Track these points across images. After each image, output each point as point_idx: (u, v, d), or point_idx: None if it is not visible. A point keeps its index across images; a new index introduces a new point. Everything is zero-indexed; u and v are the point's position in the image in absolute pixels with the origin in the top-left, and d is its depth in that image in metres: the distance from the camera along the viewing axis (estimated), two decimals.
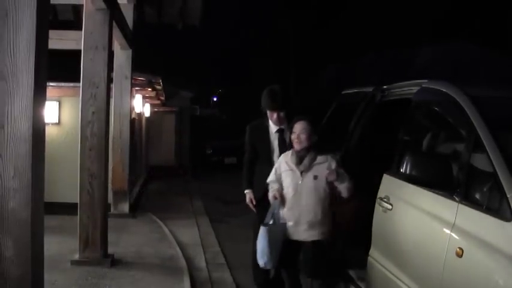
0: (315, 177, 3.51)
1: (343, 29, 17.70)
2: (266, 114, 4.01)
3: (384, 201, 3.33)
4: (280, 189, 3.59)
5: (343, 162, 4.12)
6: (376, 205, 3.43)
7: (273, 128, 4.02)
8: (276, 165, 3.71)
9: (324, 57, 15.78)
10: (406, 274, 2.95)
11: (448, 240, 2.52)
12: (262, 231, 3.49)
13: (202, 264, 5.25)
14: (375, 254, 3.43)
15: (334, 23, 18.59)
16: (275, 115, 3.92)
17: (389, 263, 3.18)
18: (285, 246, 3.54)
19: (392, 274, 3.10)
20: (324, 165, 3.53)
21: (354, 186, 3.53)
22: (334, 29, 18.34)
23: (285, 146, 3.86)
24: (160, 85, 9.45)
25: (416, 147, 3.30)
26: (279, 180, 3.64)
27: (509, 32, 13.21)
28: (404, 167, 2.85)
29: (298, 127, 3.58)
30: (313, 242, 3.52)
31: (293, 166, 3.57)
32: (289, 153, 3.66)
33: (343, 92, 5.04)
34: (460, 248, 2.40)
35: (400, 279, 2.99)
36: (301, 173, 3.53)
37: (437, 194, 2.75)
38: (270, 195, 3.63)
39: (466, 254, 2.37)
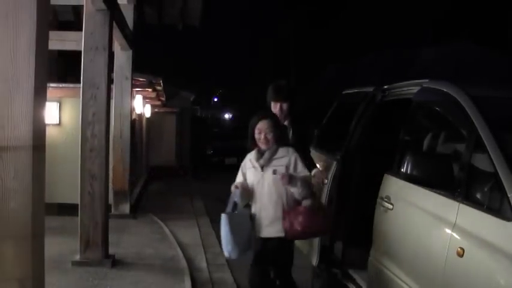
0: (274, 172, 3.47)
1: (343, 29, 17.72)
2: (270, 109, 4.02)
3: (384, 201, 3.32)
4: (245, 183, 3.56)
5: (343, 162, 4.13)
6: (377, 205, 3.43)
7: None
8: (242, 164, 3.69)
9: (324, 57, 15.82)
10: (406, 274, 2.94)
11: (449, 240, 2.52)
12: (223, 218, 3.46)
13: (203, 264, 5.25)
14: (375, 254, 3.42)
15: (334, 23, 18.60)
16: (278, 106, 3.93)
17: (390, 262, 3.17)
18: (256, 245, 3.52)
19: (393, 274, 3.09)
20: (284, 160, 3.50)
21: (306, 195, 3.47)
22: (334, 29, 18.36)
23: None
24: (160, 86, 9.45)
25: (417, 147, 3.30)
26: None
27: (509, 32, 13.21)
28: (405, 167, 2.85)
29: (264, 126, 3.53)
30: (279, 238, 3.46)
31: (255, 163, 3.56)
32: (253, 152, 3.63)
33: (343, 92, 5.04)
34: (461, 248, 2.40)
35: (400, 279, 2.98)
36: (262, 168, 3.51)
37: (438, 194, 2.74)
38: (232, 186, 3.59)
39: (467, 254, 2.37)
